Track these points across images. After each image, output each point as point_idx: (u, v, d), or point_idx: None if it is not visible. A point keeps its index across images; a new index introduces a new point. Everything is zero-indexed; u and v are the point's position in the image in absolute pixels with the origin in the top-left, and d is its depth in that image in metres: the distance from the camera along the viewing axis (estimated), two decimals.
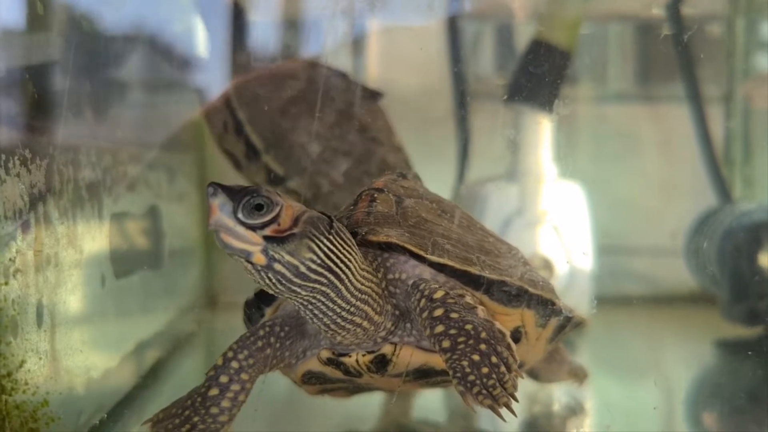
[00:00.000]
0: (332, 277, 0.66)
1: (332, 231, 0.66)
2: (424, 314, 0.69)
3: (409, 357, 0.72)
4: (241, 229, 0.63)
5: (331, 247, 0.66)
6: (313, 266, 0.65)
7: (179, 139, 1.31)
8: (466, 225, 0.80)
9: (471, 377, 0.64)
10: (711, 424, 0.98)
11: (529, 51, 1.12)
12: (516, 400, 0.64)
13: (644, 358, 1.15)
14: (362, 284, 0.69)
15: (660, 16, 1.32)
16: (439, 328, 0.67)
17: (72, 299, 0.80)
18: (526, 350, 0.79)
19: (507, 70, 1.37)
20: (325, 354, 0.73)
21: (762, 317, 1.16)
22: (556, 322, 0.79)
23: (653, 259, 1.42)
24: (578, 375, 0.95)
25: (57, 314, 0.76)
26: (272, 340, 0.73)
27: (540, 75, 1.08)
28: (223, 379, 0.71)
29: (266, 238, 0.63)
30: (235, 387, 0.71)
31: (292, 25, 1.27)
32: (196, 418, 0.70)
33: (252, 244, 0.63)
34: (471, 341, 0.66)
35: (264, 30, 1.24)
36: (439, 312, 0.68)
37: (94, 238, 0.87)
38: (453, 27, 1.30)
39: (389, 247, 0.71)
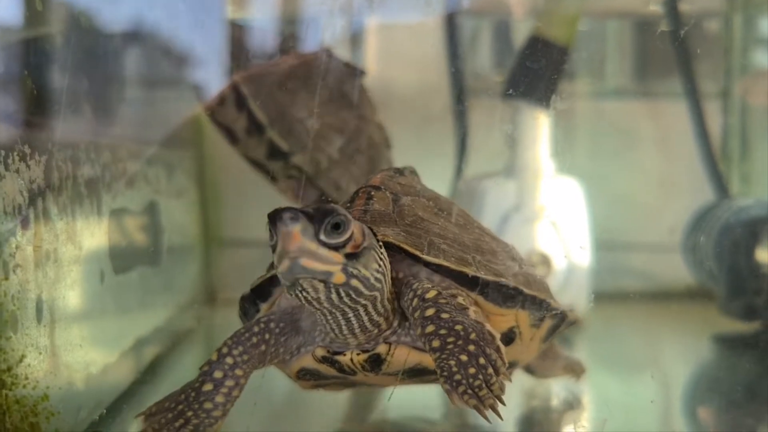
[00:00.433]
0: (383, 285, 0.68)
1: (378, 240, 0.68)
2: (416, 313, 0.69)
3: (403, 357, 0.73)
4: (324, 252, 0.63)
5: (382, 255, 0.68)
6: (377, 275, 0.67)
7: (178, 136, 1.31)
8: (462, 223, 0.80)
9: (457, 376, 0.65)
10: (708, 418, 0.98)
11: (527, 46, 1.12)
12: (502, 402, 0.64)
13: (642, 354, 1.15)
14: (389, 289, 0.70)
15: (658, 12, 1.31)
16: (430, 328, 0.68)
17: (71, 295, 0.81)
18: (521, 350, 0.79)
19: (505, 66, 1.37)
20: (320, 352, 0.73)
21: (759, 312, 1.16)
22: (550, 321, 0.79)
23: (651, 254, 1.42)
24: (575, 370, 0.95)
25: (56, 310, 0.77)
26: (267, 336, 0.73)
27: (537, 70, 1.08)
28: (218, 374, 0.71)
29: (347, 255, 0.64)
30: (230, 383, 0.71)
31: (291, 22, 1.27)
32: (189, 413, 0.70)
33: (334, 264, 0.64)
34: (460, 342, 0.66)
35: (262, 26, 1.24)
36: (430, 312, 0.68)
37: (93, 234, 0.87)
38: (451, 23, 1.30)
39: (386, 246, 0.71)
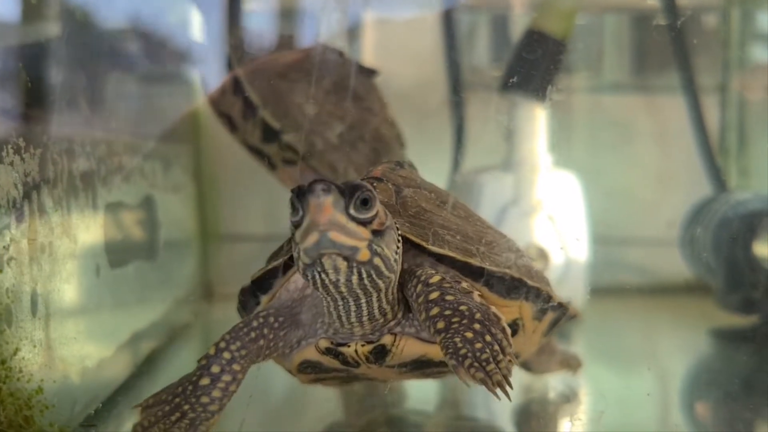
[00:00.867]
0: (398, 267, 0.67)
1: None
2: (420, 299, 0.68)
3: (408, 348, 0.72)
4: (353, 226, 0.62)
5: (399, 237, 0.68)
6: (396, 256, 0.66)
7: (175, 130, 1.31)
8: (464, 216, 0.80)
9: (463, 351, 0.64)
10: (705, 412, 0.98)
11: (524, 40, 1.12)
12: (509, 384, 0.63)
13: (639, 347, 1.15)
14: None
15: (655, 6, 1.31)
16: (435, 311, 0.67)
17: (67, 288, 0.80)
18: (523, 342, 0.79)
19: (502, 60, 1.37)
20: (324, 344, 0.73)
21: (756, 306, 1.16)
22: (552, 314, 0.79)
23: (649, 248, 1.42)
24: (571, 364, 0.95)
25: (51, 303, 0.77)
26: (266, 331, 0.72)
27: (533, 63, 1.08)
28: (215, 369, 0.70)
29: (373, 232, 0.63)
30: (227, 377, 0.70)
31: (288, 15, 1.27)
32: (186, 406, 0.70)
33: (361, 239, 0.63)
34: (465, 321, 0.66)
35: (260, 20, 1.24)
36: (434, 295, 0.68)
37: (88, 228, 0.87)
38: (448, 18, 1.30)
39: None
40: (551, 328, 0.82)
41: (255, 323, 0.72)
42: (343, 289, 0.65)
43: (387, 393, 0.74)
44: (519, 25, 1.23)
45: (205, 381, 0.70)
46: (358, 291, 0.66)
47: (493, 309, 0.68)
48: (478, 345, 0.64)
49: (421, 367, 0.75)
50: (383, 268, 0.65)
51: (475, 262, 0.72)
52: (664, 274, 1.36)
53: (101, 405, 0.85)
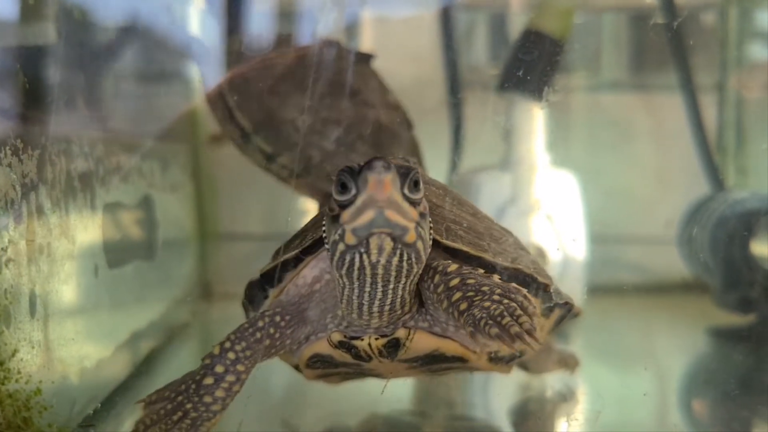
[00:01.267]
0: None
1: None
2: (440, 288, 0.68)
3: (421, 342, 0.72)
4: (406, 206, 0.62)
5: (431, 223, 0.68)
6: (430, 242, 0.66)
7: (173, 129, 1.31)
8: (472, 212, 0.80)
9: (479, 315, 0.64)
10: (702, 411, 0.99)
11: (521, 39, 1.12)
12: (533, 336, 0.62)
13: (637, 346, 1.15)
14: None
15: (653, 5, 1.31)
16: (457, 295, 0.67)
17: (65, 289, 0.80)
18: None
19: (500, 59, 1.37)
20: (337, 337, 0.72)
21: (754, 305, 1.16)
22: (558, 312, 0.79)
23: (646, 247, 1.42)
24: (569, 363, 0.95)
25: (50, 304, 0.76)
26: (272, 330, 0.72)
27: (530, 62, 1.07)
28: (219, 369, 0.70)
29: (420, 215, 0.63)
30: (231, 378, 0.70)
31: (285, 14, 1.26)
32: (188, 405, 0.70)
33: (411, 220, 0.63)
34: (486, 297, 0.65)
35: (257, 19, 1.24)
36: (455, 281, 0.67)
37: (86, 229, 0.87)
38: (446, 17, 1.30)
39: None
40: (556, 326, 0.82)
41: (261, 323, 0.72)
42: (380, 271, 0.64)
43: (382, 394, 0.74)
44: (517, 23, 1.23)
45: (208, 381, 0.70)
46: (393, 274, 0.65)
47: (514, 285, 0.68)
48: (494, 307, 0.64)
49: (432, 362, 0.75)
50: (422, 252, 0.65)
51: (488, 257, 0.72)
52: (661, 273, 1.36)
53: (100, 405, 0.85)
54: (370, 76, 1.14)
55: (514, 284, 0.68)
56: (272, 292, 0.75)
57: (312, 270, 0.75)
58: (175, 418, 0.70)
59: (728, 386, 1.01)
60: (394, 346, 0.72)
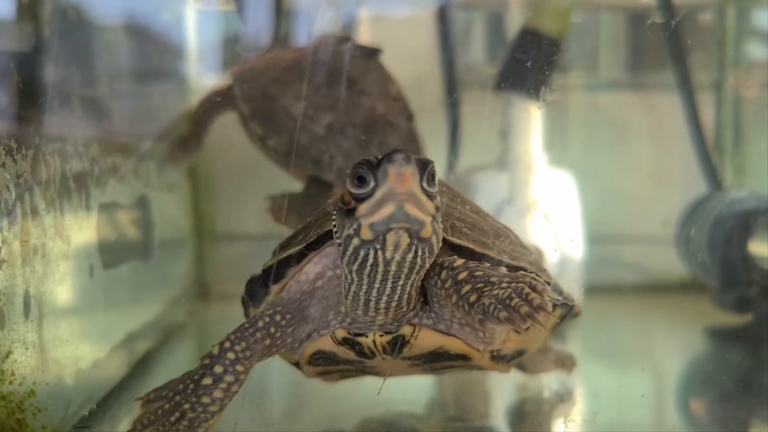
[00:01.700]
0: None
1: None
2: (448, 283, 0.67)
3: (426, 339, 0.71)
4: (425, 199, 0.61)
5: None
6: (441, 237, 0.65)
7: (169, 129, 1.30)
8: (475, 210, 0.80)
9: (488, 303, 0.63)
10: (700, 411, 0.98)
11: (518, 38, 1.12)
12: (547, 311, 0.61)
13: (634, 346, 1.15)
14: None
15: (651, 4, 1.31)
16: (467, 287, 0.65)
17: (60, 290, 0.80)
18: (533, 338, 0.78)
19: (498, 59, 1.37)
20: (341, 333, 0.72)
21: (752, 304, 1.16)
22: (560, 310, 0.78)
23: (644, 247, 1.42)
24: (566, 364, 0.95)
25: (44, 305, 0.76)
26: (273, 329, 0.71)
27: (528, 62, 1.07)
28: (218, 369, 0.69)
29: (436, 208, 0.63)
30: (229, 378, 0.69)
31: (285, 13, 1.26)
32: (186, 406, 0.69)
33: (428, 214, 0.61)
34: (495, 286, 0.64)
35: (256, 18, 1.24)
36: (463, 275, 0.66)
37: (81, 229, 0.86)
38: (444, 16, 1.29)
39: None
40: (557, 325, 0.81)
41: (261, 323, 0.71)
42: (393, 267, 0.64)
43: (378, 395, 0.74)
44: (514, 23, 1.23)
45: (207, 381, 0.69)
46: (405, 270, 0.64)
47: (522, 272, 0.67)
48: (503, 292, 0.63)
49: (435, 359, 0.75)
50: (435, 247, 0.64)
51: (492, 254, 0.72)
52: (659, 273, 1.36)
53: (95, 406, 0.84)
54: (369, 69, 1.14)
55: (521, 271, 0.67)
56: (274, 288, 0.75)
57: (315, 266, 0.74)
58: (172, 419, 0.69)
59: (726, 386, 1.01)
60: (398, 344, 0.71)
